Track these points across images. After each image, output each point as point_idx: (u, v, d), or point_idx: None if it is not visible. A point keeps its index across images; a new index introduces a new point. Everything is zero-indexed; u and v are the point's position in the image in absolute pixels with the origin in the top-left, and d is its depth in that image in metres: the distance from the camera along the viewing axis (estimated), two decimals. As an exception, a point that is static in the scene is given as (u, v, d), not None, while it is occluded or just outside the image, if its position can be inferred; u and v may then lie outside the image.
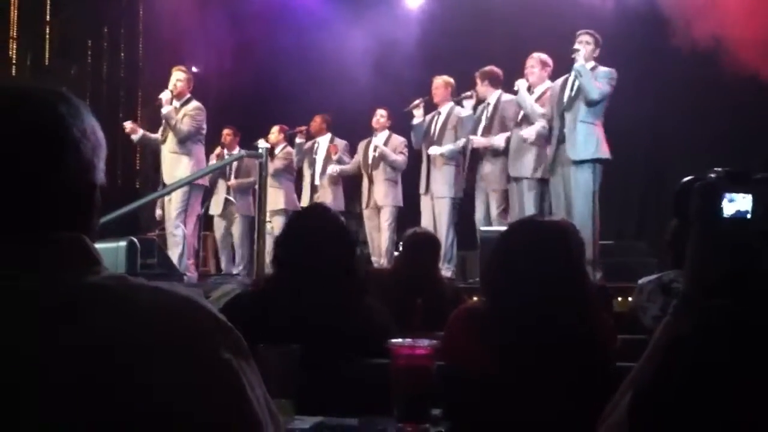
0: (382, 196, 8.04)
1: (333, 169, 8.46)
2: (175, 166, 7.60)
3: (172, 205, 7.54)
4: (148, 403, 0.90)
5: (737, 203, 1.11)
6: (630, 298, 3.98)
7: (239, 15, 9.68)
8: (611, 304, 5.22)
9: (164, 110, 7.61)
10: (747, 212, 1.11)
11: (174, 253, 7.46)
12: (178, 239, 7.50)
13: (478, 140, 7.26)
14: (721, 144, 7.98)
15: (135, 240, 6.74)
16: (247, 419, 0.96)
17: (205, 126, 7.81)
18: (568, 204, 6.38)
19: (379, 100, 8.41)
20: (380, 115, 8.20)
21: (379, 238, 8.10)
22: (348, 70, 9.22)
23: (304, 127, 8.71)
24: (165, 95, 7.64)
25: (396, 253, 7.58)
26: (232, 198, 8.79)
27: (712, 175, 1.15)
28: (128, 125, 7.91)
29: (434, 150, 7.47)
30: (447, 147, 7.44)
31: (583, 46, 6.41)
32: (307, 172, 8.75)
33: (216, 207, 8.84)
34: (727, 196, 1.12)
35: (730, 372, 1.05)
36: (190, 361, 0.94)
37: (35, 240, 0.97)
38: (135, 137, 7.92)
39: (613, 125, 6.84)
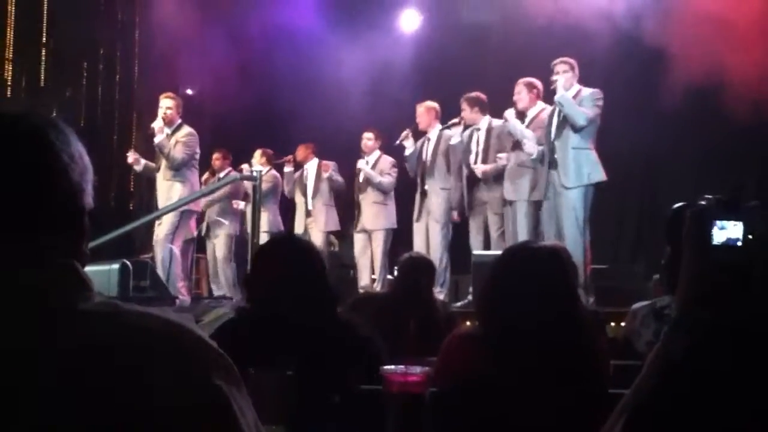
0: (371, 219, 8.02)
1: (329, 174, 8.44)
2: (170, 193, 7.58)
3: (162, 228, 7.52)
4: (139, 429, 0.90)
5: (728, 231, 1.12)
6: (623, 324, 3.96)
7: (235, 37, 9.71)
8: (604, 329, 5.21)
9: (157, 139, 7.59)
10: (737, 240, 1.11)
11: (161, 273, 7.43)
12: (164, 261, 7.46)
13: (481, 168, 7.25)
14: (715, 167, 8.02)
15: (128, 262, 6.73)
16: (237, 446, 0.96)
17: (198, 150, 7.80)
18: (559, 228, 6.39)
19: (374, 123, 8.41)
20: (367, 138, 8.17)
21: (367, 262, 8.08)
22: (343, 92, 9.26)
23: (290, 156, 8.72)
24: (157, 124, 7.61)
25: (390, 277, 7.60)
26: (221, 219, 8.75)
27: (703, 202, 1.15)
28: (131, 156, 7.97)
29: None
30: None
31: (561, 76, 6.44)
32: (300, 200, 8.72)
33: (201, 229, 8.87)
34: (718, 223, 1.12)
35: (724, 394, 1.04)
36: (181, 387, 0.94)
37: (24, 267, 0.97)
38: (138, 168, 8.00)
39: (609, 148, 6.86)
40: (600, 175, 6.41)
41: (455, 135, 7.42)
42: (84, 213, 1.05)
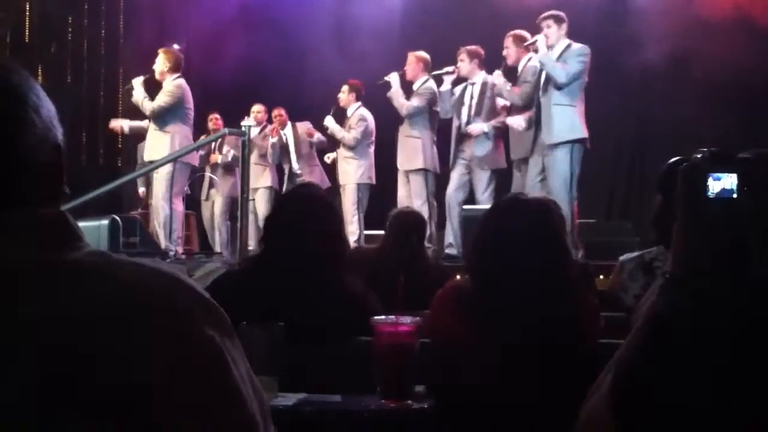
0: (342, 173, 8.00)
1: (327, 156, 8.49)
2: (155, 143, 7.36)
3: (158, 184, 7.37)
4: (129, 381, 0.89)
5: (722, 182, 1.11)
6: (611, 277, 3.97)
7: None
8: (594, 282, 5.22)
9: (133, 98, 7.45)
10: (732, 191, 1.11)
11: (160, 233, 7.34)
12: (164, 218, 7.33)
13: (476, 128, 7.07)
14: (707, 127, 7.98)
15: (117, 218, 6.70)
16: (230, 396, 0.96)
17: (187, 104, 7.51)
18: (547, 186, 6.35)
19: (361, 75, 8.32)
20: (342, 91, 8.11)
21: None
22: (331, 45, 9.18)
23: (275, 126, 8.72)
24: (136, 81, 7.43)
25: (366, 232, 7.61)
26: (215, 176, 8.74)
27: (698, 155, 1.14)
28: (113, 123, 8.10)
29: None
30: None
31: (544, 34, 6.32)
32: (285, 166, 8.82)
33: (201, 190, 8.94)
34: (713, 175, 1.11)
35: (717, 353, 1.05)
36: (173, 337, 0.93)
37: (12, 216, 0.96)
38: (126, 130, 8.07)
39: (600, 107, 6.80)
40: (581, 132, 6.27)
41: (446, 83, 7.27)
42: (60, 149, 1.04)
